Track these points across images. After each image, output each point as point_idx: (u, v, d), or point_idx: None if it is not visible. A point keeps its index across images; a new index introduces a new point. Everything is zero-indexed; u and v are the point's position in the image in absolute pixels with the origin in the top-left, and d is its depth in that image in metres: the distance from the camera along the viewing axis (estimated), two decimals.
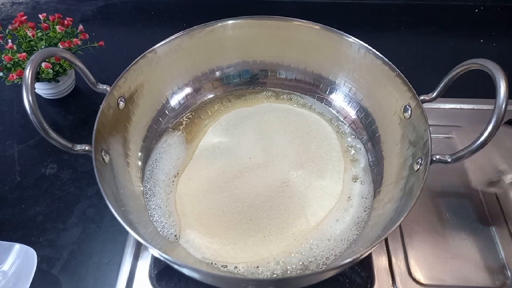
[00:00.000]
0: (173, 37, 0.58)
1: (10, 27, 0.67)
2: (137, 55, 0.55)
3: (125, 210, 0.47)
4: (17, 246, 0.53)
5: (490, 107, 0.42)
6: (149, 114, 0.61)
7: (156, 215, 0.53)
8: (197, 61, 0.64)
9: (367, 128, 0.61)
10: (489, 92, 0.42)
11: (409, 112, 0.52)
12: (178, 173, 0.58)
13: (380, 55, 0.55)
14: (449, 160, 0.45)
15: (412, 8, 0.93)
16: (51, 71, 0.65)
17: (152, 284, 0.52)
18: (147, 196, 0.55)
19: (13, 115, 0.72)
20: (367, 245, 0.48)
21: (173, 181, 0.57)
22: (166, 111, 0.63)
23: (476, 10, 0.93)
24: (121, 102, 0.53)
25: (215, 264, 0.49)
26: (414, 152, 0.50)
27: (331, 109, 0.65)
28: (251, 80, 0.68)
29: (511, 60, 0.67)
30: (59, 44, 0.66)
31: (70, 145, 0.45)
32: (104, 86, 0.51)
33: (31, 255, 0.51)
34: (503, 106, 0.41)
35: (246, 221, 0.53)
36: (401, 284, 0.51)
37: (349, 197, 0.55)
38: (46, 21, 0.69)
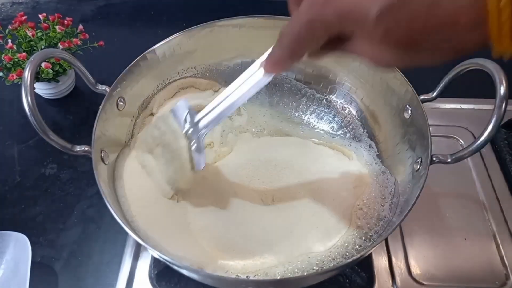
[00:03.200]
0: (173, 37, 0.58)
1: (10, 27, 0.67)
2: (137, 55, 0.55)
3: (125, 211, 0.47)
4: (7, 233, 0.52)
5: (490, 107, 0.42)
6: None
7: None
8: (197, 61, 0.64)
9: (367, 128, 0.61)
10: (489, 92, 0.42)
11: (409, 112, 0.52)
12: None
13: None
14: (449, 160, 0.45)
15: None
16: (51, 71, 0.65)
17: (152, 284, 0.52)
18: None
19: (13, 115, 0.72)
20: (367, 245, 0.48)
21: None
22: None
23: None
24: (121, 103, 0.53)
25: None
26: (414, 152, 0.50)
27: (330, 109, 0.65)
28: None
29: (511, 60, 0.67)
30: (59, 44, 0.66)
31: (69, 146, 0.44)
32: (104, 87, 0.50)
33: (23, 240, 0.51)
34: (503, 106, 0.41)
35: (246, 235, 0.51)
36: (401, 284, 0.51)
37: None
38: (46, 21, 0.69)
